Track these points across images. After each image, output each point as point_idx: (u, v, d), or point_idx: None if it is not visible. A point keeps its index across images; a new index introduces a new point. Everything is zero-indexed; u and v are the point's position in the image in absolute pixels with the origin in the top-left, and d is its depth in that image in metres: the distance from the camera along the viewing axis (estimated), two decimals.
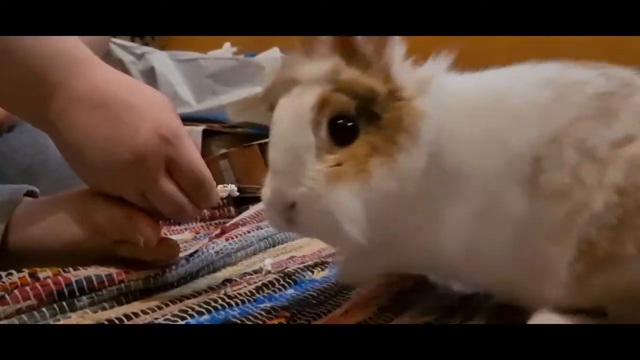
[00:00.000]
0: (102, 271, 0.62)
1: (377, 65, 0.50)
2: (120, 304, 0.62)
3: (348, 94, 0.49)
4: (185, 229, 1.05)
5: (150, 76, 1.60)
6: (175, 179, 0.61)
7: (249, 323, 0.56)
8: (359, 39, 0.50)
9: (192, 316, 0.56)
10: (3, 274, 0.58)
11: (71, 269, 0.61)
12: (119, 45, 1.64)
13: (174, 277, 0.68)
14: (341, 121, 0.49)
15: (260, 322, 0.56)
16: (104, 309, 0.61)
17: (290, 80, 0.50)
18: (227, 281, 0.70)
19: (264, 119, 0.60)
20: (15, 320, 0.55)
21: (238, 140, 1.47)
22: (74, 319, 0.56)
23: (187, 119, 1.36)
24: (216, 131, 1.51)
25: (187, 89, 1.62)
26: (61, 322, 0.55)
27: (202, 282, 0.71)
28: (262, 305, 0.60)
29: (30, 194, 0.71)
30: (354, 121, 0.49)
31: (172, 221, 1.02)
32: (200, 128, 1.48)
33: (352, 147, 0.49)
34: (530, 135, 0.48)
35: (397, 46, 0.51)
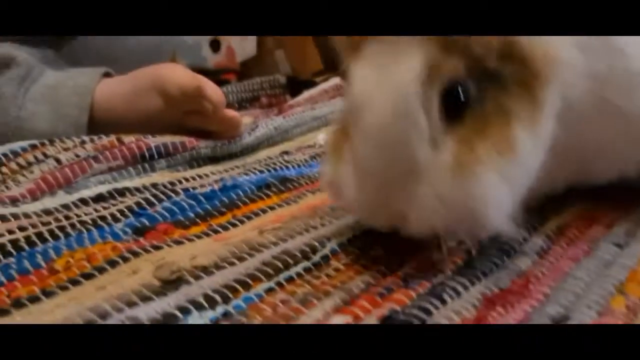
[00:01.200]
0: (177, 139, 0.72)
1: None
2: (192, 167, 0.72)
3: (456, 52, 0.37)
4: (246, 114, 1.13)
5: None
6: None
7: (304, 182, 0.63)
8: None
9: (254, 173, 0.64)
10: (95, 137, 0.68)
11: (150, 136, 0.70)
12: None
13: (237, 147, 0.76)
14: (457, 91, 0.37)
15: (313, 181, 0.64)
16: (177, 170, 0.70)
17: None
18: (285, 153, 0.78)
19: None
20: (108, 177, 0.65)
21: None
22: (154, 177, 0.66)
23: None
24: None
25: None
26: (144, 180, 0.65)
27: (262, 154, 0.79)
28: (315, 169, 0.68)
29: (107, 74, 0.80)
30: (467, 88, 0.37)
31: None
32: None
33: (472, 121, 0.37)
34: None
35: None
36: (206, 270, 0.41)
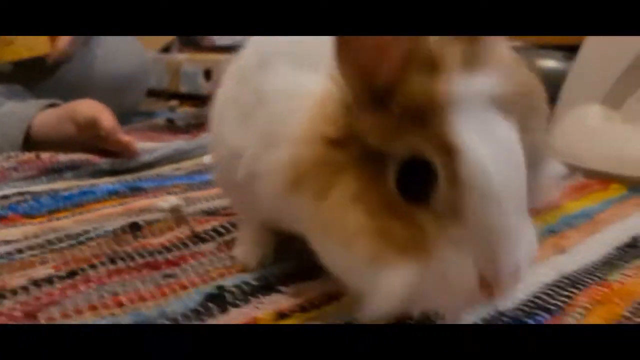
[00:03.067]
0: (84, 156, 0.96)
1: None
2: (94, 178, 0.95)
3: None
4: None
5: None
6: None
7: (151, 191, 0.84)
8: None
9: (123, 182, 0.87)
10: (19, 153, 0.93)
11: (62, 154, 0.95)
12: None
13: (134, 164, 0.99)
14: None
15: None
16: (81, 180, 0.94)
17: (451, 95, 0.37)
18: (177, 169, 1.00)
19: None
20: (22, 183, 0.89)
21: None
22: (59, 184, 0.90)
23: None
24: None
25: None
26: (49, 187, 0.88)
27: (163, 169, 1.01)
28: (175, 181, 0.89)
29: (52, 105, 1.05)
30: None
31: None
32: None
33: None
34: None
35: None
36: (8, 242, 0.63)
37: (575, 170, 0.90)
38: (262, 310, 0.49)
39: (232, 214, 0.69)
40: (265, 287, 0.53)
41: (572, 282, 0.55)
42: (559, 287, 0.54)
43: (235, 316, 0.48)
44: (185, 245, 0.63)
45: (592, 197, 0.84)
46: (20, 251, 0.61)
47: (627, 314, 0.50)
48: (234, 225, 0.67)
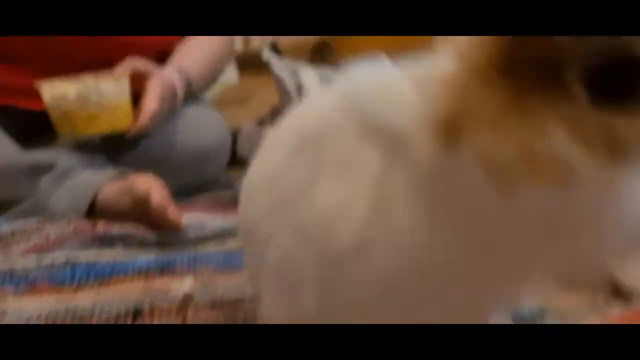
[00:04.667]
0: (135, 227, 1.02)
1: None
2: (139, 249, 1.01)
3: None
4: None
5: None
6: None
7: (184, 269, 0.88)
8: None
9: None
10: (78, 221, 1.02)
11: (116, 224, 1.02)
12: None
13: (183, 239, 1.03)
14: None
15: None
16: (128, 250, 1.00)
17: None
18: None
19: None
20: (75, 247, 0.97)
21: None
22: (106, 253, 0.96)
23: None
24: None
25: None
26: (94, 257, 0.95)
27: (206, 247, 1.05)
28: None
29: (122, 173, 1.14)
30: None
31: None
32: None
33: None
34: None
35: None
36: None
37: None
38: None
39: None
40: None
41: None
42: None
43: None
44: None
45: None
46: None
47: None
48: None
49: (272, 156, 0.45)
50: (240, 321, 0.67)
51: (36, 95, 1.14)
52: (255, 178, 0.47)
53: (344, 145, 0.38)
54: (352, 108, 0.39)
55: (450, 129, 0.32)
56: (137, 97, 1.22)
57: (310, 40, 2.30)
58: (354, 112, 0.39)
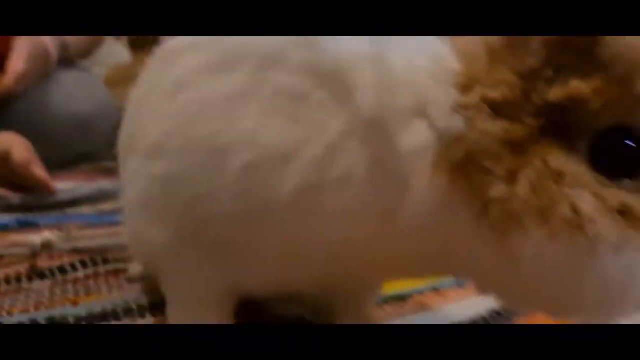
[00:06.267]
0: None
1: None
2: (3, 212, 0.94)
3: None
4: None
5: None
6: None
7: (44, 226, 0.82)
8: None
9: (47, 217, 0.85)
10: None
11: None
12: None
13: (51, 201, 0.97)
14: None
15: None
16: None
17: None
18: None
19: None
20: None
21: None
22: None
23: None
24: None
25: None
26: None
27: (78, 209, 0.99)
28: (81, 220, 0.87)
29: None
30: None
31: None
32: None
33: None
34: None
35: None
36: None
37: None
38: None
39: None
40: None
41: None
42: None
43: None
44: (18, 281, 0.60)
45: None
46: None
47: None
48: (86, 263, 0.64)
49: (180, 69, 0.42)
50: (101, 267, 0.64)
51: None
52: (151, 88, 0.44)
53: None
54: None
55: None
56: (3, 59, 1.13)
57: None
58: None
